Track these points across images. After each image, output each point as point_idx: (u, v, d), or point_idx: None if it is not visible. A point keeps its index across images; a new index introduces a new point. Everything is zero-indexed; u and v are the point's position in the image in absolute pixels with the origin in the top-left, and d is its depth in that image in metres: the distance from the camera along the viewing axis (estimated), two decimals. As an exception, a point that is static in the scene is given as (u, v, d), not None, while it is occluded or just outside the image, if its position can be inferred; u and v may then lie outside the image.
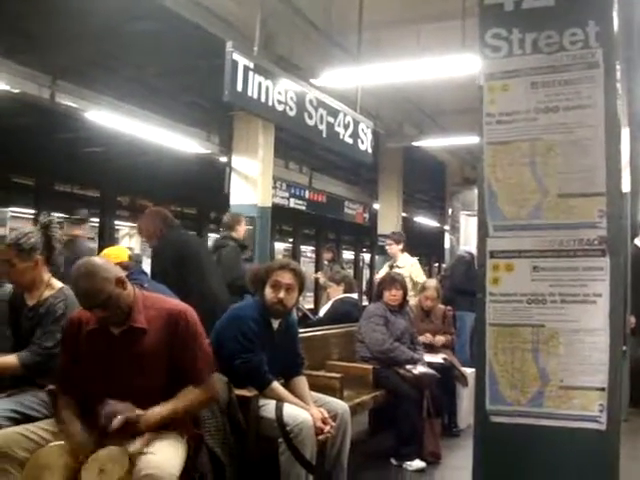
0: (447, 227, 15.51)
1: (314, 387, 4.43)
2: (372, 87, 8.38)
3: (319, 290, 17.31)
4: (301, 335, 5.05)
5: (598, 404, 2.57)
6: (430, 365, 5.95)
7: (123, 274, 3.25)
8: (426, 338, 6.59)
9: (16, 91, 8.49)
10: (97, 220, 18.04)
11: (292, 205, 13.78)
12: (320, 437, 3.89)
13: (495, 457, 2.76)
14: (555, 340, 2.65)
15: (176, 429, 3.18)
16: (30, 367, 3.54)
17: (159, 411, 3.08)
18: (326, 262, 14.98)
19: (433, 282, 7.32)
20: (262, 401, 3.97)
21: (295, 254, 21.21)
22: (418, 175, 16.63)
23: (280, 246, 23.94)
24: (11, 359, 3.55)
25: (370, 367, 5.69)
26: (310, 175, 16.95)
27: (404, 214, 16.01)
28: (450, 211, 15.21)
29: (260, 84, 5.83)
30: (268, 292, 4.17)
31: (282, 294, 4.13)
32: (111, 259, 4.73)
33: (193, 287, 5.04)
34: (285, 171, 15.30)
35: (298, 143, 13.21)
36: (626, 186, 6.26)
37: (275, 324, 4.25)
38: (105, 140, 12.15)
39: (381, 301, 6.11)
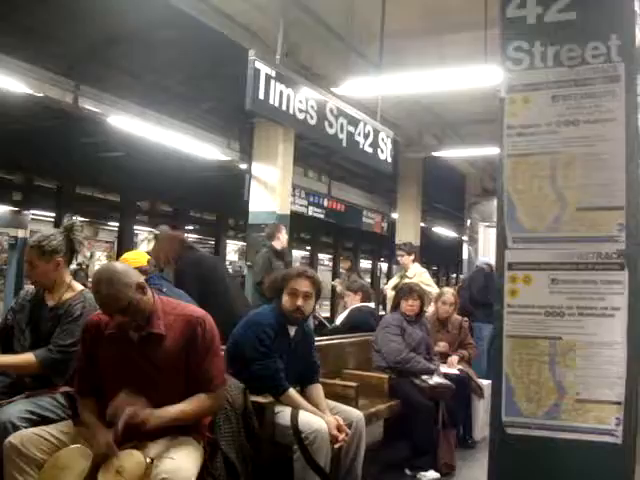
0: (465, 238, 15.44)
1: (329, 395, 4.44)
2: (393, 97, 8.40)
3: (336, 298, 17.31)
4: (317, 343, 5.06)
5: (614, 418, 2.57)
6: (446, 376, 5.93)
7: (143, 279, 3.28)
8: (440, 347, 6.56)
9: (40, 95, 8.57)
10: (117, 224, 18.15)
11: (310, 213, 13.79)
12: (335, 445, 3.89)
13: (510, 469, 2.75)
14: (572, 353, 2.64)
15: (192, 434, 3.20)
16: (47, 364, 3.58)
17: (167, 412, 3.09)
18: (343, 271, 14.99)
19: (449, 289, 7.31)
20: (278, 408, 3.98)
21: (312, 262, 21.22)
22: (437, 185, 16.60)
23: (298, 254, 23.96)
24: (28, 357, 3.59)
25: (386, 377, 5.68)
26: (329, 183, 16.97)
27: (422, 224, 15.97)
28: (469, 222, 15.15)
29: (282, 92, 5.85)
30: (285, 299, 4.20)
31: (300, 301, 4.15)
32: (130, 263, 4.78)
33: (215, 303, 5.08)
34: (304, 179, 15.33)
35: (317, 151, 13.23)
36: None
37: (292, 331, 4.27)
38: (126, 145, 12.22)
39: (398, 311, 6.11)
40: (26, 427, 3.21)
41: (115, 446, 2.95)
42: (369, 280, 23.56)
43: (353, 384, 5.02)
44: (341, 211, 15.29)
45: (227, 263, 17.96)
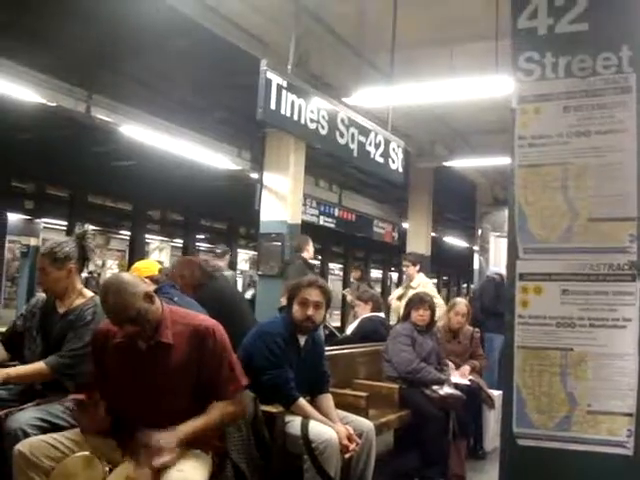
0: (476, 248, 15.42)
1: (340, 405, 4.43)
2: (404, 106, 8.40)
3: (346, 308, 17.29)
4: (328, 353, 5.05)
5: (626, 429, 2.56)
6: (457, 386, 5.92)
7: (151, 289, 3.29)
8: (453, 369, 6.52)
9: (53, 104, 8.62)
10: (128, 233, 18.22)
11: (321, 223, 13.79)
12: (345, 455, 3.89)
13: (521, 480, 2.75)
14: (584, 364, 2.64)
15: (201, 445, 3.20)
16: (58, 369, 3.60)
17: (190, 428, 3.08)
18: (354, 280, 14.97)
19: (462, 299, 7.29)
20: (288, 417, 3.98)
21: (323, 272, 21.22)
22: (448, 195, 16.59)
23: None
24: (39, 365, 3.62)
25: (396, 387, 5.67)
26: (340, 193, 16.98)
27: (433, 234, 15.95)
28: (480, 232, 15.13)
29: (293, 102, 5.86)
30: (296, 309, 4.20)
31: (310, 311, 4.15)
32: (142, 272, 4.80)
33: (234, 331, 5.09)
34: (315, 189, 15.35)
35: (328, 161, 13.25)
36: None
37: (302, 341, 4.27)
38: (138, 154, 12.28)
39: (408, 321, 6.10)
40: (36, 434, 3.23)
41: (123, 454, 2.96)
42: (379, 290, 23.53)
43: (363, 394, 5.01)
44: (352, 221, 15.29)
45: (238, 272, 17.95)
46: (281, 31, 7.07)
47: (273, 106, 5.65)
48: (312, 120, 6.14)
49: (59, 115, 9.39)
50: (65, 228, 15.74)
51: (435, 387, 5.67)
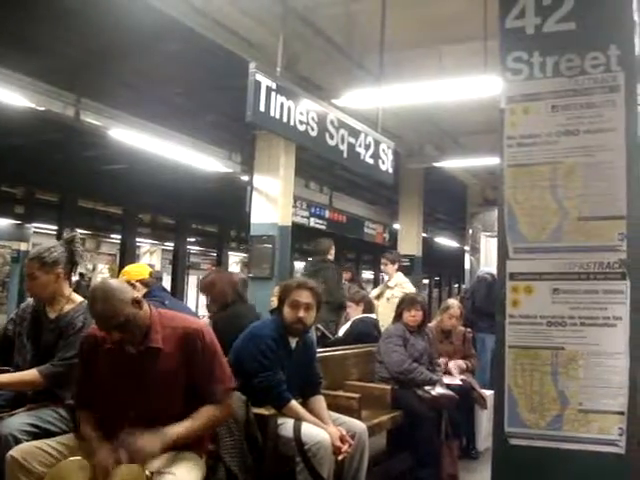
0: (467, 248, 15.44)
1: (332, 407, 4.43)
2: (393, 108, 8.40)
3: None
4: (320, 355, 5.04)
5: (617, 428, 2.56)
6: (449, 387, 5.92)
7: (139, 294, 3.27)
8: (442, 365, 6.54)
9: (41, 109, 8.60)
10: (119, 237, 18.20)
11: (312, 224, 13.80)
12: (338, 457, 3.88)
13: (513, 480, 2.75)
14: (575, 363, 2.64)
15: (194, 448, 3.19)
16: (50, 378, 3.57)
17: (177, 431, 3.08)
18: (345, 282, 14.98)
19: (455, 301, 7.29)
20: (280, 420, 3.97)
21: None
22: (439, 195, 16.62)
23: (300, 265, 23.92)
24: (33, 373, 3.59)
25: (388, 387, 5.66)
26: (330, 195, 16.98)
27: (424, 234, 15.97)
28: (470, 232, 15.14)
29: (282, 104, 5.86)
30: (287, 311, 4.19)
31: (302, 313, 4.15)
32: (132, 276, 4.79)
33: None
34: (305, 190, 15.35)
35: (319, 163, 13.26)
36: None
37: (293, 343, 4.26)
38: (128, 158, 12.26)
39: (400, 322, 6.10)
40: (28, 440, 3.21)
41: (115, 459, 2.95)
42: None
43: (356, 395, 5.00)
44: (343, 222, 15.31)
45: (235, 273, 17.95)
46: (269, 33, 7.07)
47: (262, 108, 5.64)
48: (302, 122, 6.14)
49: (48, 119, 9.35)
50: (55, 232, 15.71)
51: (427, 387, 5.68)
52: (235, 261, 25.30)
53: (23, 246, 16.50)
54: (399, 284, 8.80)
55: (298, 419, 3.97)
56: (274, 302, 4.83)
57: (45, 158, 12.44)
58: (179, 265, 20.19)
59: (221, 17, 7.17)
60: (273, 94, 5.73)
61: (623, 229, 2.61)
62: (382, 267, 9.29)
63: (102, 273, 20.59)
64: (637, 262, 2.61)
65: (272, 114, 5.77)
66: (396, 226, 16.16)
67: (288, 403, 4.03)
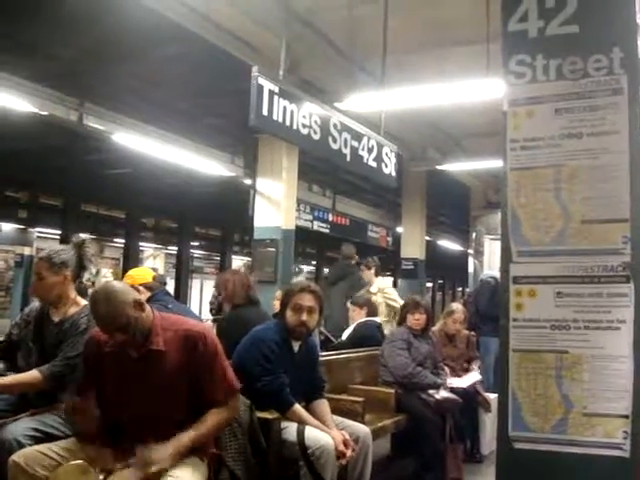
0: (471, 251, 15.43)
1: (336, 410, 4.42)
2: (396, 111, 8.40)
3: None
4: (323, 358, 5.04)
5: (622, 431, 2.55)
6: (453, 390, 5.91)
7: (141, 297, 3.28)
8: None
9: (44, 113, 8.61)
10: (122, 241, 18.20)
11: (315, 228, 13.80)
12: (341, 461, 3.87)
13: (518, 484, 2.74)
14: (579, 366, 2.63)
15: (197, 452, 3.18)
16: (53, 378, 3.57)
17: (186, 440, 3.08)
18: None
19: (460, 306, 7.28)
20: (284, 423, 3.96)
21: (318, 276, 21.21)
22: (442, 199, 16.61)
23: (303, 268, 23.94)
24: (34, 374, 3.59)
25: (392, 391, 5.65)
26: (333, 198, 16.98)
27: (428, 237, 15.96)
28: (474, 235, 15.14)
29: (285, 108, 5.87)
30: (290, 315, 4.18)
31: (304, 316, 4.14)
32: (136, 280, 4.80)
33: None
34: (309, 194, 15.36)
35: (322, 166, 13.27)
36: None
37: (296, 346, 4.25)
38: (131, 162, 12.28)
39: (404, 325, 6.09)
40: (31, 445, 3.21)
41: (117, 461, 2.95)
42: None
43: (360, 399, 4.99)
44: (346, 225, 15.30)
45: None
46: (272, 37, 7.08)
47: (265, 112, 5.65)
48: (304, 125, 6.14)
49: (51, 124, 9.37)
50: (59, 237, 15.73)
51: (431, 391, 5.67)
52: (239, 265, 25.32)
53: (27, 251, 16.52)
54: (381, 289, 8.84)
55: (301, 423, 3.96)
56: (277, 306, 4.83)
57: (48, 162, 12.46)
58: (182, 269, 20.22)
59: (224, 21, 7.19)
60: (276, 98, 5.75)
61: (627, 232, 2.60)
62: (360, 274, 9.37)
63: (105, 277, 20.59)
64: (641, 265, 2.61)
65: (275, 118, 5.78)
66: (399, 229, 16.15)
67: (291, 407, 4.02)
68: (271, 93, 5.70)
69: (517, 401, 2.71)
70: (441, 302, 33.92)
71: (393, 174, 7.62)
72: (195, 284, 23.29)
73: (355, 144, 6.89)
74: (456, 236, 23.22)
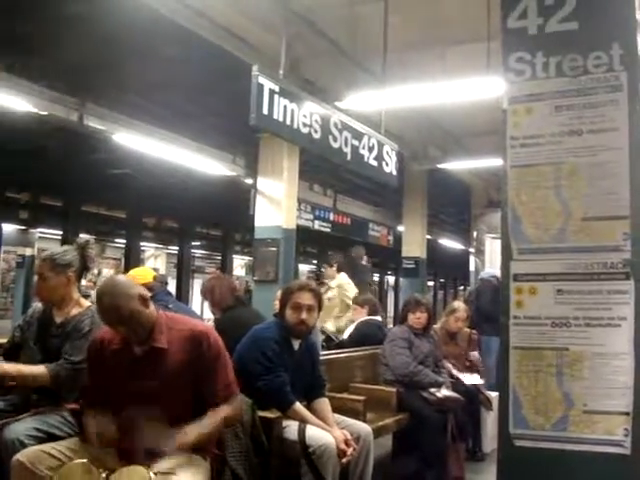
0: (472, 249, 15.42)
1: (337, 409, 4.42)
2: (397, 109, 8.40)
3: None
4: (325, 357, 5.04)
5: (622, 428, 2.55)
6: (454, 389, 5.91)
7: (146, 293, 3.28)
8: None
9: (45, 113, 8.61)
10: (123, 241, 18.19)
11: (316, 227, 13.81)
12: (343, 459, 3.87)
13: (519, 482, 2.74)
14: (579, 364, 2.63)
15: (199, 451, 3.19)
16: (59, 380, 3.57)
17: (197, 431, 3.10)
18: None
19: (462, 304, 7.26)
20: (285, 423, 3.96)
21: (319, 276, 21.21)
22: (443, 197, 16.62)
23: (304, 268, 23.96)
24: (41, 369, 3.59)
25: (394, 390, 5.64)
26: (334, 197, 16.98)
27: (429, 236, 15.96)
28: (475, 233, 15.12)
29: (285, 107, 5.87)
30: (289, 313, 4.19)
31: (304, 315, 4.15)
32: (137, 280, 4.80)
33: None
34: (310, 193, 15.35)
35: (323, 165, 13.27)
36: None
37: (295, 345, 4.26)
38: (132, 162, 12.28)
39: (405, 324, 6.09)
40: (33, 444, 3.21)
41: (120, 459, 2.96)
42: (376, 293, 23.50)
43: (361, 398, 4.99)
44: (347, 224, 15.31)
45: (234, 278, 18.00)
46: (272, 36, 7.08)
47: (266, 111, 5.65)
48: (305, 124, 6.15)
49: (52, 124, 9.37)
50: (60, 237, 15.73)
51: (433, 389, 5.66)
52: (240, 264, 25.32)
53: (28, 251, 16.52)
54: (340, 285, 8.88)
55: (303, 421, 3.96)
56: (277, 306, 4.83)
57: (49, 163, 12.45)
58: (184, 269, 20.23)
59: (224, 20, 7.19)
60: (276, 97, 5.75)
61: (627, 229, 2.60)
62: (322, 270, 9.68)
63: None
64: (641, 262, 2.61)
65: (275, 117, 5.78)
66: (400, 228, 16.15)
67: (292, 405, 4.02)
68: (271, 92, 5.71)
69: (518, 399, 2.71)
70: (442, 300, 33.93)
71: (394, 173, 7.62)
72: (196, 284, 23.30)
73: (356, 143, 6.89)
74: (457, 235, 23.21)
